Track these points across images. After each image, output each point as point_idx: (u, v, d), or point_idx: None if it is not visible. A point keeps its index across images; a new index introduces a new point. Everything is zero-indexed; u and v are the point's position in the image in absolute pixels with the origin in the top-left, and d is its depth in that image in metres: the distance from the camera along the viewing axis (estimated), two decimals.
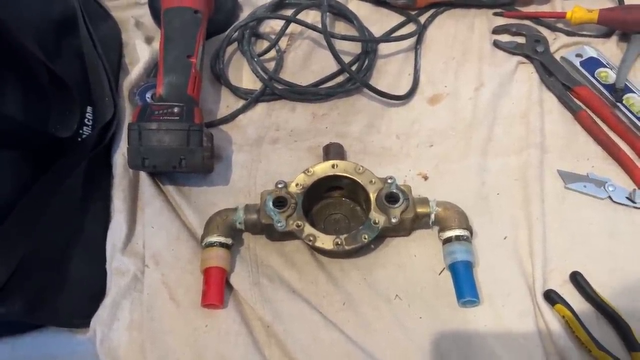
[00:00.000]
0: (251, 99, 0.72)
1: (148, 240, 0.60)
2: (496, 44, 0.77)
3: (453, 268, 0.56)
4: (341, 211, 0.62)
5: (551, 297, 0.55)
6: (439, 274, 0.58)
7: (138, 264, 0.59)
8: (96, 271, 0.58)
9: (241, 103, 0.72)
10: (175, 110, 0.60)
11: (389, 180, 0.58)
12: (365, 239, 0.56)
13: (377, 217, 0.57)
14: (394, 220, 0.56)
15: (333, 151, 0.65)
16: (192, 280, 0.58)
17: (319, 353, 0.53)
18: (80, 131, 0.64)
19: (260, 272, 0.58)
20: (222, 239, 0.57)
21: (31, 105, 0.59)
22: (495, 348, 0.53)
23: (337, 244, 0.55)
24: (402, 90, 0.72)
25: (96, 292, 0.57)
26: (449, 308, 0.56)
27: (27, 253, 0.52)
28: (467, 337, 0.54)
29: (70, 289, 0.55)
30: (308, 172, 0.60)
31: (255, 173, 0.66)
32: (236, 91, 0.73)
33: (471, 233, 0.58)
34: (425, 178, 0.65)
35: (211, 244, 0.57)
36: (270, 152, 0.68)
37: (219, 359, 0.53)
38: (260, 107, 0.73)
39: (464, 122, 0.70)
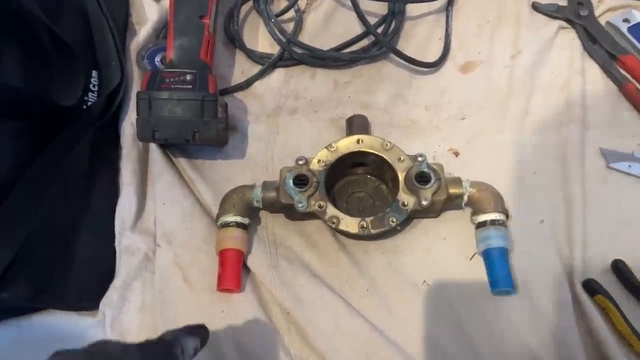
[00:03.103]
0: (268, 64, 0.69)
1: (159, 217, 0.58)
2: (535, 7, 0.73)
3: (487, 255, 0.53)
4: (365, 189, 0.59)
5: (591, 286, 0.52)
6: (470, 259, 0.55)
7: (149, 243, 0.57)
8: (104, 250, 0.56)
9: (257, 68, 0.69)
10: (188, 77, 0.57)
11: (420, 158, 0.54)
12: (393, 222, 0.52)
13: (406, 198, 0.53)
14: (424, 203, 0.52)
15: (357, 124, 0.61)
16: (207, 260, 0.55)
17: (341, 341, 0.51)
18: (85, 98, 0.61)
19: (278, 254, 0.56)
20: (238, 219, 0.54)
21: (32, 71, 0.56)
22: (529, 341, 0.51)
23: (362, 227, 0.52)
24: (431, 57, 0.69)
25: (105, 273, 0.55)
26: (481, 296, 0.53)
27: (31, 233, 0.49)
28: (500, 328, 0.52)
29: (78, 270, 0.53)
30: (331, 147, 0.56)
31: (273, 146, 0.63)
32: (251, 55, 0.70)
33: (507, 217, 0.55)
34: (456, 154, 0.62)
35: (227, 224, 0.54)
36: (288, 123, 0.65)
37: (235, 347, 0.51)
38: (278, 73, 0.69)
39: (499, 93, 0.66)
